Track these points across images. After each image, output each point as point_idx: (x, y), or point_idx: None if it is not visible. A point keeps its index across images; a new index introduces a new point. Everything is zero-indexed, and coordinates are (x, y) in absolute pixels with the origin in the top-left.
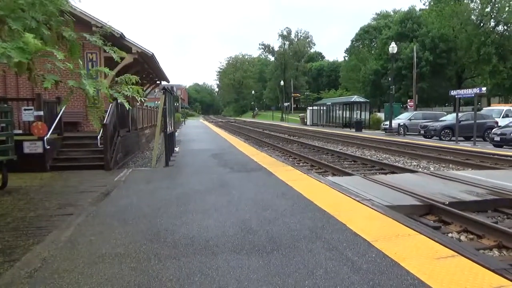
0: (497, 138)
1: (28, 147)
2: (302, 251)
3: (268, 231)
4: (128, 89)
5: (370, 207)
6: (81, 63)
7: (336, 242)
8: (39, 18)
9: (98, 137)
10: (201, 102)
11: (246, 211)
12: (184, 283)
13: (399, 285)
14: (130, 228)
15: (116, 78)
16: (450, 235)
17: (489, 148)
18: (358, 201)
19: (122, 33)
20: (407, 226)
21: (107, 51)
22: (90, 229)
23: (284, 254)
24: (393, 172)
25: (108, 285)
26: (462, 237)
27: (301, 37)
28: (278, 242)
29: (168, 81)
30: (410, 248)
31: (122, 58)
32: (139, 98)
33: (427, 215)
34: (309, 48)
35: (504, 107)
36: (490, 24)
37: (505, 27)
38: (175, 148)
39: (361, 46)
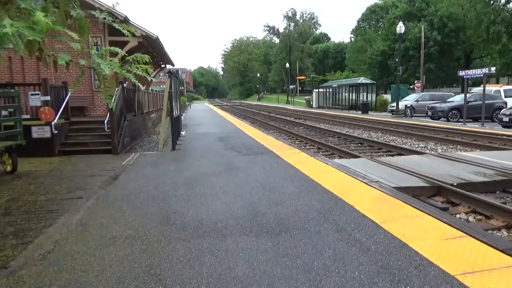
0: (505, 119)
1: (36, 132)
2: (310, 232)
3: (276, 213)
4: (138, 68)
5: (377, 189)
6: (90, 39)
7: (344, 224)
8: None
9: (105, 121)
10: (206, 85)
11: (254, 193)
12: (194, 264)
13: (407, 265)
14: (139, 211)
15: (127, 57)
16: (458, 216)
17: (497, 129)
18: (365, 183)
19: (126, 16)
20: (415, 208)
21: (117, 28)
22: (100, 212)
23: (292, 236)
24: (400, 154)
25: (120, 266)
26: (471, 218)
27: (306, 18)
28: (287, 224)
29: (173, 65)
30: (418, 229)
31: (133, 35)
32: (149, 78)
33: (435, 196)
34: (314, 30)
35: (493, 88)
36: (500, 2)
37: None
38: (181, 132)
39: (367, 26)
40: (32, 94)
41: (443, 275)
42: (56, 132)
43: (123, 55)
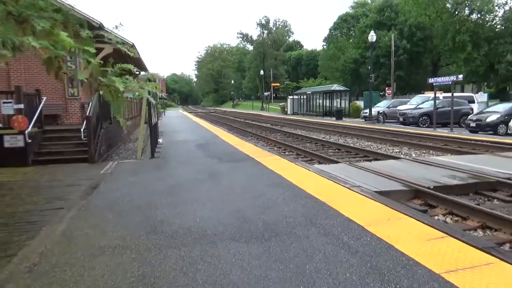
0: (472, 124)
1: (9, 141)
2: (299, 237)
3: (264, 219)
4: (147, 85)
5: (359, 193)
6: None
7: (331, 228)
8: (58, 17)
9: (82, 129)
10: (179, 92)
11: (239, 200)
12: (188, 271)
13: (395, 265)
14: (125, 220)
15: (140, 75)
16: (436, 218)
17: (465, 134)
18: (347, 187)
19: (101, 23)
20: (397, 210)
21: (124, 49)
22: (84, 223)
23: (282, 241)
24: (376, 159)
25: (112, 276)
26: (448, 219)
27: (279, 26)
28: (275, 230)
29: (147, 71)
30: (402, 231)
31: (118, 42)
32: (160, 94)
33: (413, 199)
34: (287, 37)
35: (431, 95)
36: (464, 12)
37: (479, 15)
38: (158, 140)
39: (339, 35)
40: (4, 102)
41: (430, 274)
42: (30, 141)
43: (98, 62)
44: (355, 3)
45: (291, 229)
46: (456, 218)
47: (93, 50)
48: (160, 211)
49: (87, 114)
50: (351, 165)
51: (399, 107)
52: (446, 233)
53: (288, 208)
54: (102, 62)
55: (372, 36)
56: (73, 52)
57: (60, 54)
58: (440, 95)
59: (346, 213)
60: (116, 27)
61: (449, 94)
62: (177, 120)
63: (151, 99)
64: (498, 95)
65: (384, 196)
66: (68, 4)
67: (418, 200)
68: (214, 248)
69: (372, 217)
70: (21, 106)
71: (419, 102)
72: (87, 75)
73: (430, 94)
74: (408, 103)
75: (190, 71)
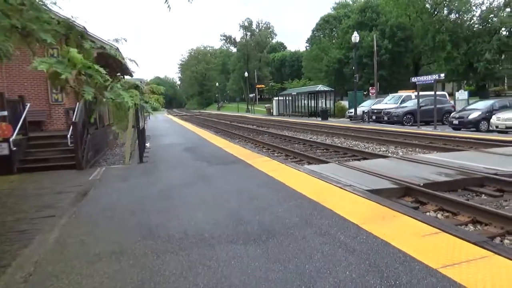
0: (455, 122)
1: None
2: (296, 237)
3: (259, 220)
4: (150, 98)
5: (352, 192)
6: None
7: (327, 227)
8: (60, 30)
9: (68, 135)
10: (163, 95)
11: (233, 202)
12: (188, 275)
13: (393, 262)
14: (119, 226)
15: (144, 88)
16: (427, 214)
17: (448, 131)
18: (339, 187)
19: (84, 27)
20: (390, 208)
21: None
22: (77, 230)
23: (279, 242)
24: (365, 158)
25: (111, 283)
26: (439, 215)
27: (262, 28)
28: (272, 231)
29: (131, 76)
30: (397, 228)
31: (118, 58)
32: (161, 108)
33: (404, 197)
34: (270, 39)
35: (404, 93)
36: (443, 12)
37: (457, 15)
38: (146, 144)
39: (322, 36)
40: None
41: (427, 269)
42: (15, 148)
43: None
44: (337, 4)
45: (287, 229)
46: (447, 214)
47: (102, 71)
48: (154, 215)
49: (73, 120)
50: (341, 165)
51: (373, 106)
52: (439, 229)
53: (283, 209)
54: (108, 79)
55: (355, 37)
56: (82, 68)
57: (68, 75)
58: (412, 94)
59: (341, 212)
60: (117, 40)
61: (424, 93)
62: (163, 124)
63: (146, 106)
64: (478, 93)
65: (376, 194)
66: (65, 16)
67: (409, 197)
68: (212, 251)
69: (367, 216)
70: (5, 113)
71: (392, 101)
72: (92, 92)
73: (403, 93)
74: (383, 102)
75: (173, 74)
